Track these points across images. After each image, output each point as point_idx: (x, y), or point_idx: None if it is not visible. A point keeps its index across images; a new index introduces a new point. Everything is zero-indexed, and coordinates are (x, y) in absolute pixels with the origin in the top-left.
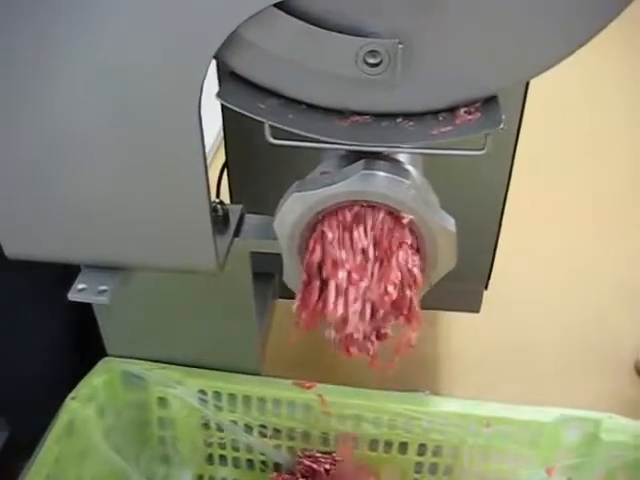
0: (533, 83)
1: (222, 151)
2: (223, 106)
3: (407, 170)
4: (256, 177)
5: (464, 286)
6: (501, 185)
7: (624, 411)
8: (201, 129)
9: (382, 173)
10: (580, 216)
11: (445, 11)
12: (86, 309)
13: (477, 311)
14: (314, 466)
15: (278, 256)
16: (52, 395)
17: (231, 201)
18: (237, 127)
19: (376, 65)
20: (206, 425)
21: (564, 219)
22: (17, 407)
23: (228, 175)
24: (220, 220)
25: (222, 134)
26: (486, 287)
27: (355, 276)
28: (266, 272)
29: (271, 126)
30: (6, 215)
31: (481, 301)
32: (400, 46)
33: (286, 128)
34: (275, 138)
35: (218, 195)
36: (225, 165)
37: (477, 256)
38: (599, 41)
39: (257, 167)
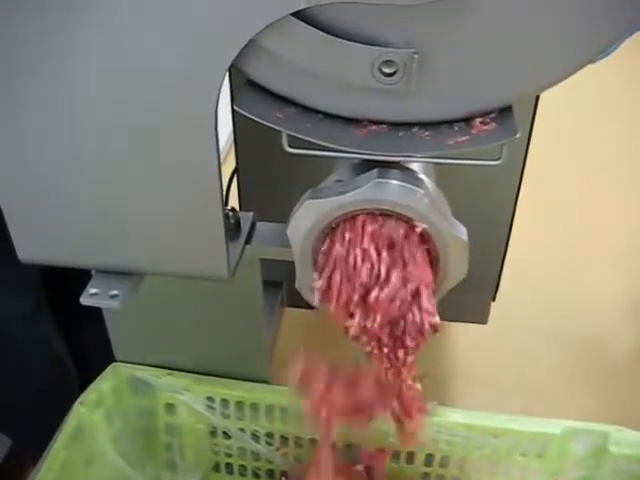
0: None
1: (231, 157)
2: (234, 113)
3: (421, 179)
4: (266, 184)
5: (472, 297)
6: (510, 196)
7: (632, 424)
8: (217, 137)
9: (396, 182)
10: (588, 228)
11: (462, 23)
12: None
13: (484, 322)
14: None
15: (287, 264)
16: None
17: (240, 207)
18: (248, 134)
19: (391, 75)
20: (213, 432)
21: (573, 232)
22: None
23: (238, 181)
24: (232, 227)
25: (231, 140)
26: (494, 299)
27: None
28: (275, 280)
29: (287, 135)
30: (19, 220)
31: (488, 312)
32: (416, 56)
33: (303, 137)
34: (290, 146)
35: (227, 201)
36: (235, 171)
37: (485, 267)
38: None
39: (267, 174)
